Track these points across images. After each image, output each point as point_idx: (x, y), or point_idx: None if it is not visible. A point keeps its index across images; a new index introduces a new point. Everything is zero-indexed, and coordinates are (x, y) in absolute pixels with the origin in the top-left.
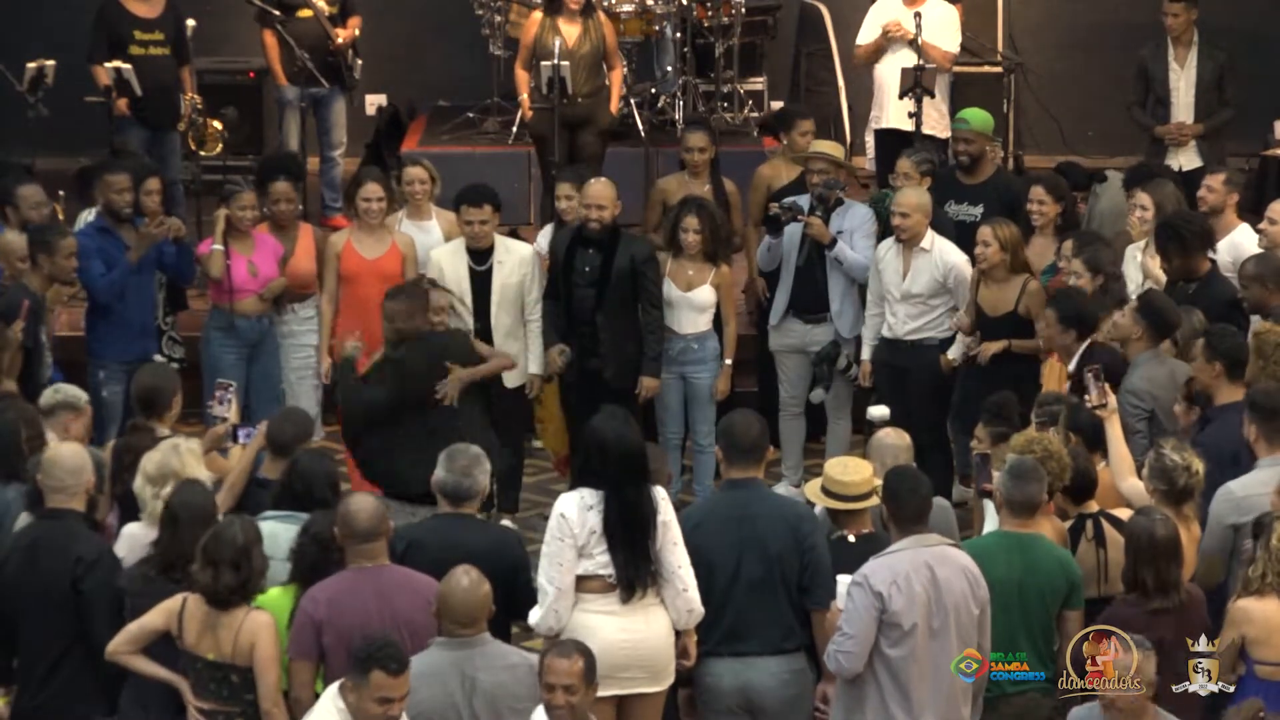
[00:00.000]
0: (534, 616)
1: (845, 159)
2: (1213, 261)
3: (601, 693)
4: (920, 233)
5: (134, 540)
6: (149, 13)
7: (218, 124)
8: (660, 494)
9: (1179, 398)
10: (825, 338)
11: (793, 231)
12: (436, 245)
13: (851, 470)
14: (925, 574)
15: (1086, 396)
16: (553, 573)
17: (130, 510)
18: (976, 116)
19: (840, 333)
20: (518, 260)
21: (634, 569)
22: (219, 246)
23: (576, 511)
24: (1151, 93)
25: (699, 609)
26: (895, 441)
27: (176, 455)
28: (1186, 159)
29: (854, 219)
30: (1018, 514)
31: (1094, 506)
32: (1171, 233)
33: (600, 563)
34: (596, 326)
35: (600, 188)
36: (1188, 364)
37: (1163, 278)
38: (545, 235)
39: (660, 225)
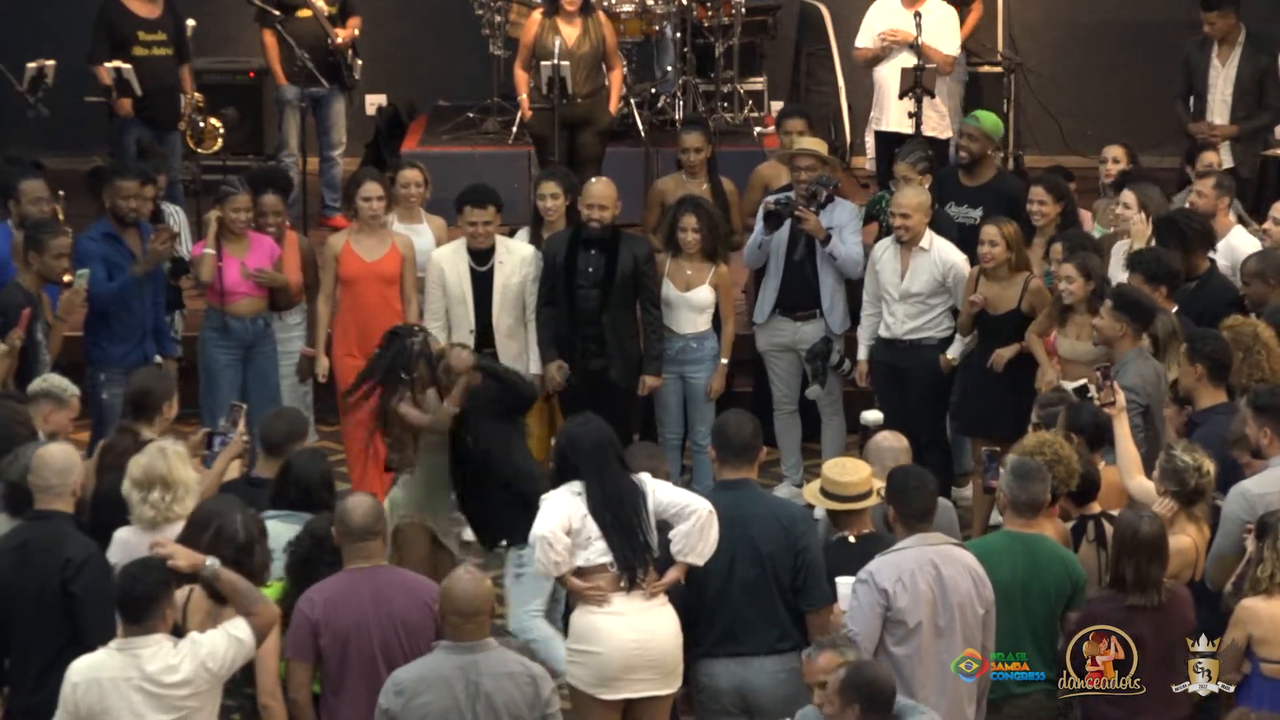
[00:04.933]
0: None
1: (843, 158)
2: (1212, 261)
3: (612, 696)
4: (920, 233)
5: (125, 546)
6: (151, 13)
7: (215, 121)
8: (645, 476)
9: (1168, 400)
10: (814, 335)
11: (780, 229)
12: (428, 247)
13: (849, 471)
14: (930, 572)
15: (1094, 394)
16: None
17: (105, 510)
18: (988, 118)
19: (831, 329)
20: (519, 260)
21: (631, 552)
22: (210, 250)
23: (565, 496)
24: (1192, 87)
25: (701, 506)
26: (894, 444)
27: (164, 458)
28: (1219, 159)
29: (841, 215)
30: (1022, 514)
31: (1096, 508)
32: (1173, 229)
33: (599, 549)
34: (601, 327)
35: (602, 188)
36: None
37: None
38: (523, 235)
39: (659, 226)
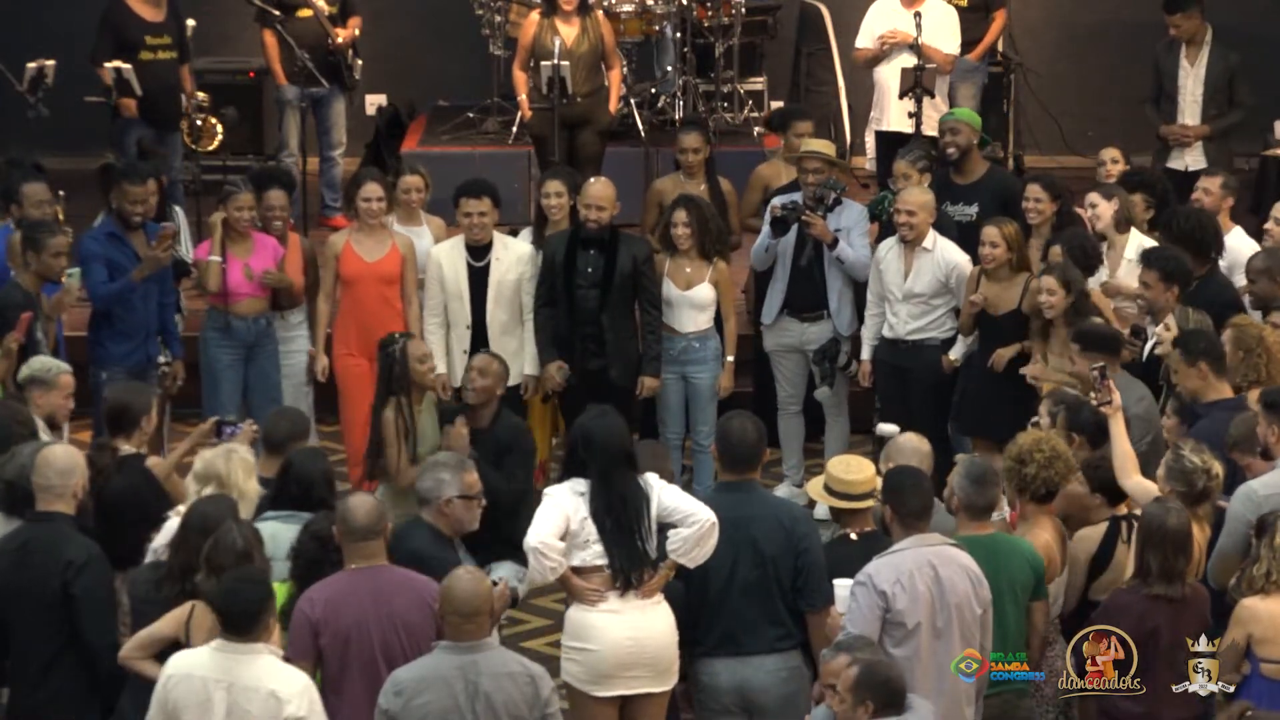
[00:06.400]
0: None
1: (844, 158)
2: (1215, 261)
3: (606, 693)
4: (924, 231)
5: (172, 533)
6: (155, 15)
7: (213, 120)
8: (651, 478)
9: (1169, 412)
10: (821, 336)
11: (787, 233)
12: (428, 249)
13: (854, 469)
14: (929, 573)
15: (1093, 394)
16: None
17: (100, 515)
18: (964, 111)
19: (839, 330)
20: (515, 258)
21: (627, 558)
22: (216, 258)
23: (567, 496)
24: (1163, 89)
25: (705, 516)
26: (918, 446)
27: (226, 461)
28: (1193, 159)
29: (849, 217)
30: (977, 518)
31: (1124, 509)
32: (1175, 228)
33: (596, 552)
34: (601, 327)
35: (600, 188)
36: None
37: (1124, 285)
38: (526, 235)
39: (656, 226)
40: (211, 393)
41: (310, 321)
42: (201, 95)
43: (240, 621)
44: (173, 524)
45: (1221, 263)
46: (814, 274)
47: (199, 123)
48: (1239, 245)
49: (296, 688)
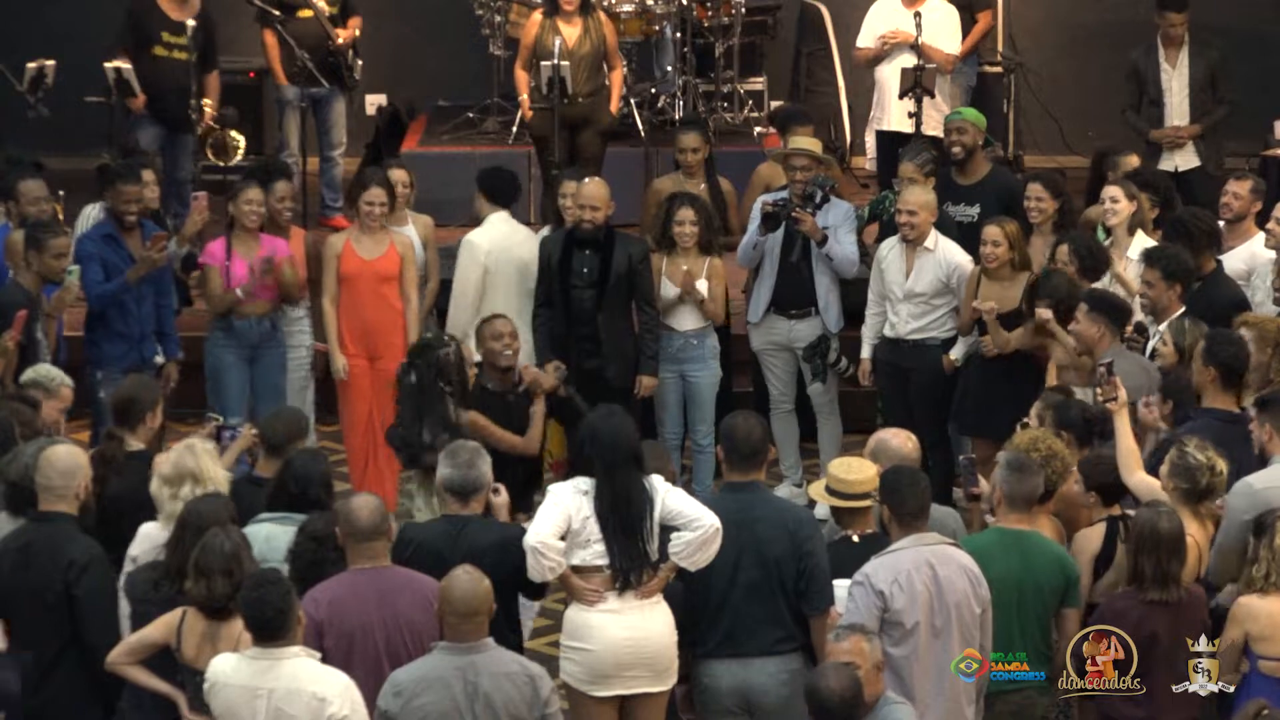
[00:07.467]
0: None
1: (843, 158)
2: (1219, 261)
3: (605, 693)
4: (926, 231)
5: (149, 539)
6: (180, 15)
7: (235, 134)
8: (657, 480)
9: (1159, 391)
10: (809, 333)
11: (777, 230)
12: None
13: (855, 469)
14: (927, 572)
15: (1098, 389)
16: (537, 527)
17: (101, 516)
18: (970, 111)
19: (828, 327)
20: (463, 256)
21: (628, 559)
22: (236, 291)
23: (571, 494)
24: (1145, 94)
25: (710, 522)
26: (903, 444)
27: (192, 455)
28: (1183, 159)
29: (836, 215)
30: (1017, 508)
31: (1118, 509)
32: (1179, 229)
33: (597, 552)
34: (598, 327)
35: (594, 188)
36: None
37: (1129, 280)
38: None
39: (652, 225)
40: (216, 393)
41: (315, 320)
42: (232, 110)
43: (271, 627)
44: (147, 529)
45: (1242, 266)
46: (803, 271)
47: (221, 139)
48: (1261, 251)
49: (338, 688)
